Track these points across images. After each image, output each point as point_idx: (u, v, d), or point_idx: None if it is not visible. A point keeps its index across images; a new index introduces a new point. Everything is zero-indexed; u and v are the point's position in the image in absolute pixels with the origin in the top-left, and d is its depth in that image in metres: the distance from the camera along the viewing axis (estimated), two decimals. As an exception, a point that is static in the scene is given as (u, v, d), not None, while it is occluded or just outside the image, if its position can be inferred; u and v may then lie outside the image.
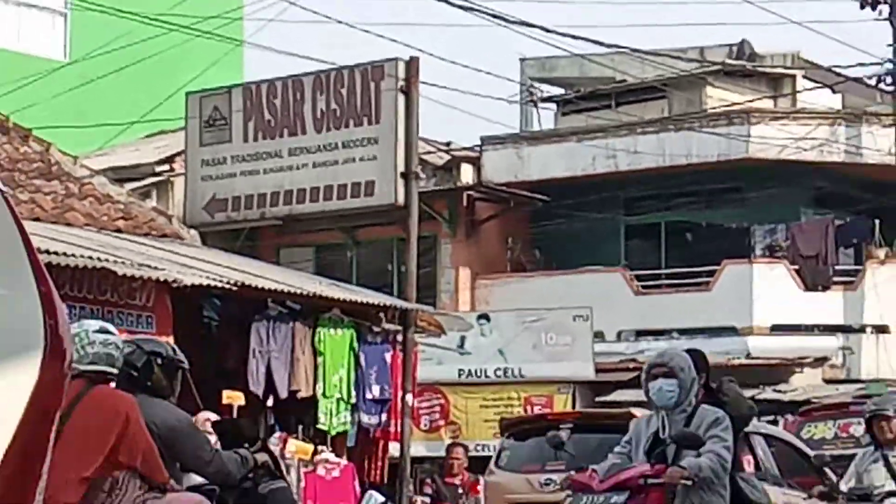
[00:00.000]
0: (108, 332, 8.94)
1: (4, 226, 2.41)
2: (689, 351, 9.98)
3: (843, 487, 11.76)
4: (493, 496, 16.85)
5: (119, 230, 17.42)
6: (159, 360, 9.19)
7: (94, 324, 9.30)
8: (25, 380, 2.32)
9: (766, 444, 15.88)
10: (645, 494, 9.13)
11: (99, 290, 13.87)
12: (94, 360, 8.56)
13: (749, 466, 15.03)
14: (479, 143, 31.11)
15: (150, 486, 8.51)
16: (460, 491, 17.76)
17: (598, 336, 28.19)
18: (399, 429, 17.15)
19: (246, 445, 10.04)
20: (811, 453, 16.35)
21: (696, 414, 8.89)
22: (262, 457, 10.06)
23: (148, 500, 8.53)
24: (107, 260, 13.65)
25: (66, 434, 7.50)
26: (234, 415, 14.65)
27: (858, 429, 19.91)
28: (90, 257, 13.46)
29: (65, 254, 13.04)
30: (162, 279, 14.15)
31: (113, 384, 8.64)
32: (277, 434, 15.38)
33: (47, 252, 12.24)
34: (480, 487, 18.00)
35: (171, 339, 14.36)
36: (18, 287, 2.38)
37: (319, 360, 16.12)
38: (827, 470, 15.34)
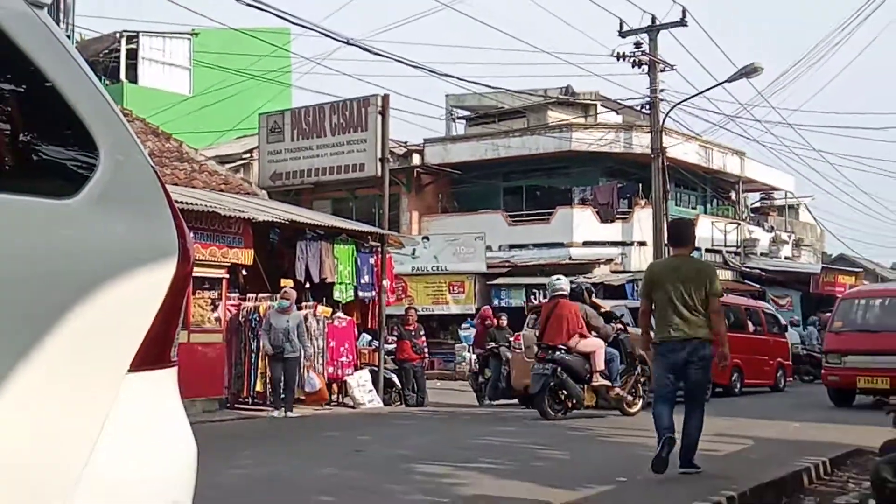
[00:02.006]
0: (560, 279, 13.09)
1: (156, 188, 2.35)
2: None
3: None
4: (526, 339, 15.96)
5: (222, 190, 17.28)
6: (575, 288, 13.49)
7: (556, 276, 13.52)
8: (168, 273, 2.28)
9: None
10: None
11: (210, 224, 13.72)
12: (558, 290, 12.70)
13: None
14: (422, 141, 31.09)
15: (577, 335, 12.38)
16: (412, 333, 17.42)
17: (489, 248, 28.48)
18: (379, 299, 16.87)
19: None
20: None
21: None
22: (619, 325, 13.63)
23: (579, 341, 12.36)
24: (215, 206, 13.60)
25: (552, 319, 12.46)
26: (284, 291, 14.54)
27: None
28: (206, 205, 13.39)
29: (191, 203, 12.95)
30: (246, 217, 14.14)
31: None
32: (312, 302, 15.29)
33: (180, 202, 11.87)
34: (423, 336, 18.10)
35: (251, 251, 14.57)
36: (163, 221, 2.32)
37: (335, 262, 15.96)
38: None
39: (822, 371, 16.59)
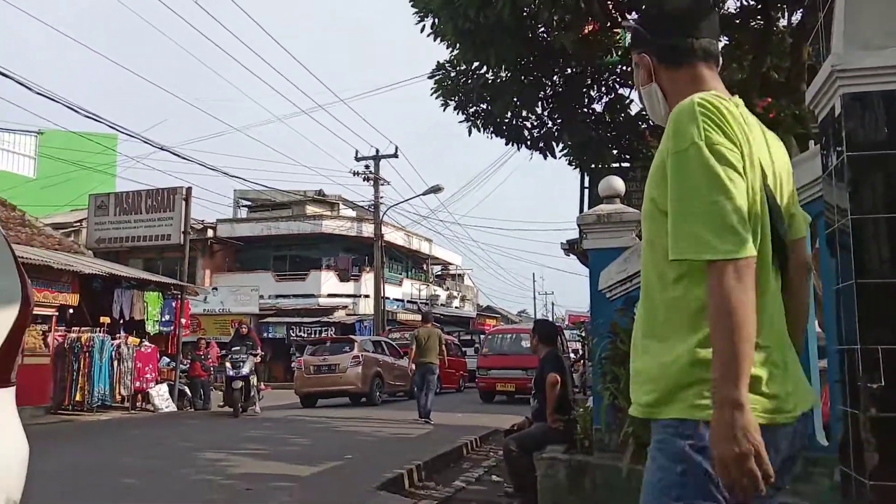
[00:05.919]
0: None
1: (5, 250, 2.14)
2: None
3: None
4: (306, 362, 15.79)
5: (56, 249, 15.61)
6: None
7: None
8: (12, 314, 2.06)
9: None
10: None
11: (45, 274, 12.37)
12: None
13: None
14: (216, 220, 29.63)
15: None
16: (202, 356, 16.11)
17: (261, 297, 27.73)
18: (177, 332, 15.58)
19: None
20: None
21: None
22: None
23: None
24: (48, 261, 12.40)
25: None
26: (105, 327, 13.31)
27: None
28: (41, 260, 12.23)
29: (30, 258, 11.77)
30: (74, 270, 13.00)
31: None
32: (123, 334, 13.97)
33: (22, 257, 10.37)
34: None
35: (77, 295, 13.14)
36: (8, 273, 2.13)
37: (145, 304, 14.81)
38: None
39: (476, 379, 17.53)
